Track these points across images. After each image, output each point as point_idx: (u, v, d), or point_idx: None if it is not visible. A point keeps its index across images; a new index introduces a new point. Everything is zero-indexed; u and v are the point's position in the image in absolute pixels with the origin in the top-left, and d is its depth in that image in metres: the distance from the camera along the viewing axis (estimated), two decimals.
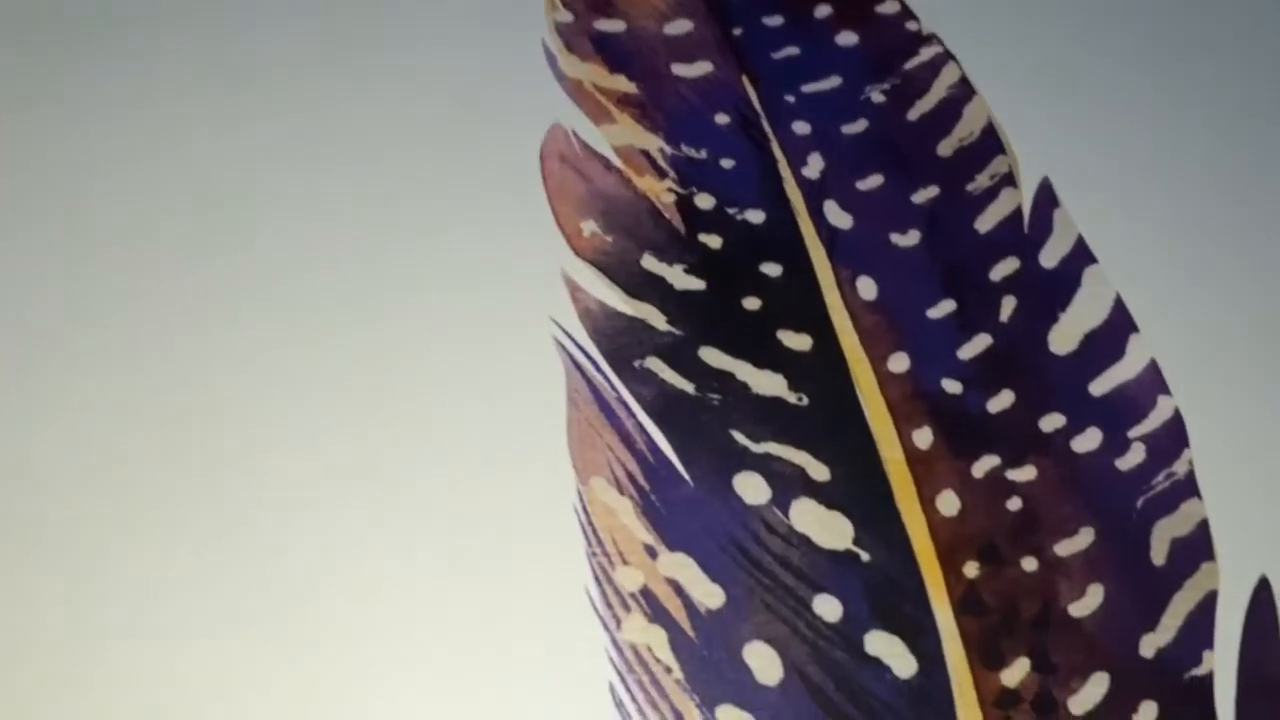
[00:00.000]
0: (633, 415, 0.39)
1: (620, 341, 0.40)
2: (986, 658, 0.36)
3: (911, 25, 0.47)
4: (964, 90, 0.45)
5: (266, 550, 0.36)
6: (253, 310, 0.40)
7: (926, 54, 0.46)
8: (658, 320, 0.41)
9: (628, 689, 0.35)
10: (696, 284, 0.42)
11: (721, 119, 0.45)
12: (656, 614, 0.36)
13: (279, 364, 0.39)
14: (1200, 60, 0.46)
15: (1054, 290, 0.42)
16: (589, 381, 0.40)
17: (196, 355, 0.39)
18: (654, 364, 0.40)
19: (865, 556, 0.37)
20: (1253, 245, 0.43)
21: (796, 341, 0.41)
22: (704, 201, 0.43)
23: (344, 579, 0.36)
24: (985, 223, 0.43)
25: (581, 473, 0.38)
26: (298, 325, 0.40)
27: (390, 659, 0.35)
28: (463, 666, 0.35)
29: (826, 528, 0.38)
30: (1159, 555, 0.37)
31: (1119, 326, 0.41)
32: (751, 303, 0.42)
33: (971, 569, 0.37)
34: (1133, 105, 0.46)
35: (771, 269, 0.42)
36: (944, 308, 0.42)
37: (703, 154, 0.44)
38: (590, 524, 0.37)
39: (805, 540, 0.38)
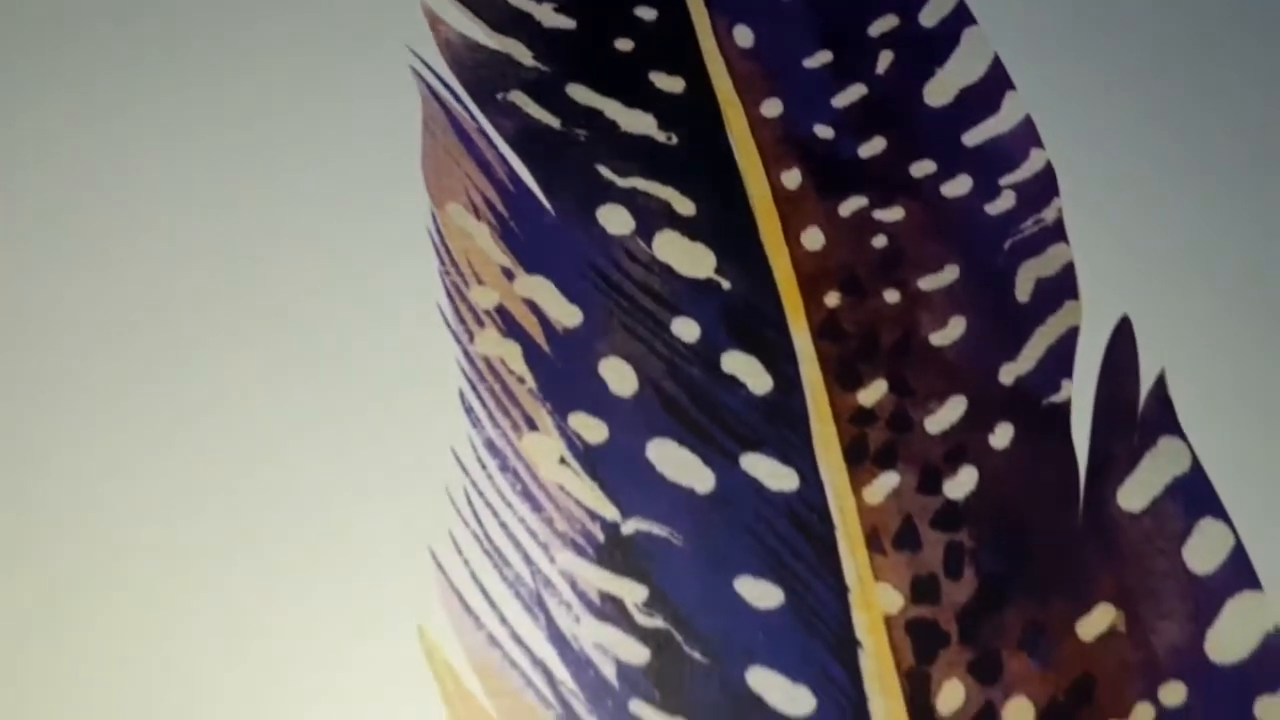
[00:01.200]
0: (493, 146, 0.38)
1: (482, 74, 0.39)
2: (843, 379, 0.35)
3: None
4: None
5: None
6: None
7: None
8: (523, 55, 0.40)
9: (478, 396, 0.34)
10: (566, 22, 0.41)
11: None
12: (511, 330, 0.35)
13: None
14: None
15: (932, 47, 0.41)
16: (446, 110, 0.38)
17: None
18: (518, 98, 0.39)
19: (726, 285, 0.37)
20: (1136, 10, 0.43)
21: (668, 84, 0.40)
22: None
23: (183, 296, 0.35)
24: None
25: (436, 197, 0.37)
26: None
27: (236, 347, 0.34)
28: (305, 368, 0.34)
29: (689, 257, 0.37)
30: (1023, 293, 0.37)
31: (996, 83, 0.41)
32: (624, 44, 0.40)
33: (833, 298, 0.37)
34: None
35: (645, 12, 0.41)
36: (820, 58, 0.41)
37: None
38: (444, 245, 0.36)
39: (667, 269, 0.37)
